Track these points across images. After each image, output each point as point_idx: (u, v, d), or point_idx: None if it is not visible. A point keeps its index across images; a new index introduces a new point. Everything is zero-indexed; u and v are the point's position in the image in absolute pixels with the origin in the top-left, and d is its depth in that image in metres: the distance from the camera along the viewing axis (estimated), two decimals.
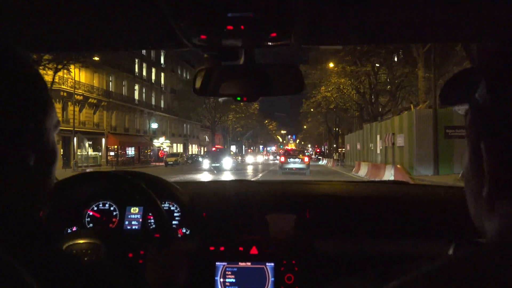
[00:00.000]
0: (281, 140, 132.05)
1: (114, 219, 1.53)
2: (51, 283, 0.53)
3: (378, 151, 24.00)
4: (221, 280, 1.37)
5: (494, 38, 1.05)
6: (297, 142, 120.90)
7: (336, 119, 49.72)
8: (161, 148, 43.18)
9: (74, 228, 1.44)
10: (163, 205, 1.31)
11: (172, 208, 1.55)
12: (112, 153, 35.86)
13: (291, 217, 1.44)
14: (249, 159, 42.18)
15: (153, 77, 46.08)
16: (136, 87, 40.76)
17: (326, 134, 65.69)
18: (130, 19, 0.98)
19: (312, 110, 44.91)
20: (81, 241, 1.19)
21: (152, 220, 1.49)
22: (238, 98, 1.23)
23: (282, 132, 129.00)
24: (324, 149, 61.54)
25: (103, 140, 34.07)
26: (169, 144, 48.66)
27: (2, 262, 0.49)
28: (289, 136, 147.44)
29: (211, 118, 44.72)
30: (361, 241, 1.44)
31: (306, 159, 24.58)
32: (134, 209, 1.56)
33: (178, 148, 56.29)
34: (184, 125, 58.46)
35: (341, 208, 1.58)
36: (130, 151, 39.14)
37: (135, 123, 40.14)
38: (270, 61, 1.24)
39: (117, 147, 36.52)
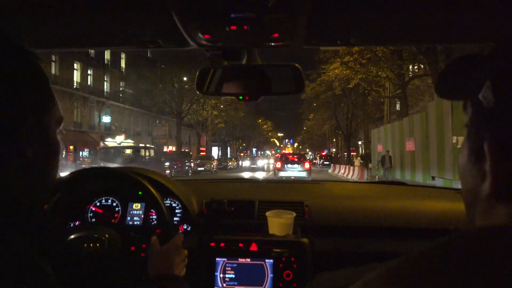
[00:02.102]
0: (278, 143, 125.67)
1: (116, 215, 1.62)
2: (55, 271, 0.57)
3: None
4: (221, 275, 1.46)
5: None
6: (295, 146, 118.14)
7: (350, 110, 31.89)
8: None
9: (77, 223, 1.53)
10: (165, 202, 1.42)
11: (173, 204, 1.64)
12: None
13: (291, 215, 1.51)
14: None
15: (107, 56, 36.67)
16: (77, 66, 32.05)
17: (332, 133, 48.06)
18: (135, 18, 1.08)
19: (316, 99, 36.32)
20: (84, 234, 1.27)
21: (154, 216, 1.60)
22: (240, 97, 1.30)
23: (279, 135, 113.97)
24: (329, 152, 44.36)
25: None
26: (132, 144, 37.03)
27: (19, 249, 0.54)
28: (286, 140, 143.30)
29: (176, 107, 27.19)
30: (359, 239, 1.52)
31: (307, 164, 20.98)
32: (136, 205, 1.64)
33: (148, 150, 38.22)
34: (157, 121, 47.83)
35: (339, 207, 1.67)
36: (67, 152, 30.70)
37: (73, 114, 31.71)
38: (272, 61, 1.30)
39: None
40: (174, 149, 35.90)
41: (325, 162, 43.35)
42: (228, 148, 56.09)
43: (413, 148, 16.92)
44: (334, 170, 31.34)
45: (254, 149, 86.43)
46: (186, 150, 35.40)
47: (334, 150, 51.40)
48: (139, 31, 1.15)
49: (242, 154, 74.04)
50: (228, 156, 52.10)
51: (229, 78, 1.29)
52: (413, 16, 1.01)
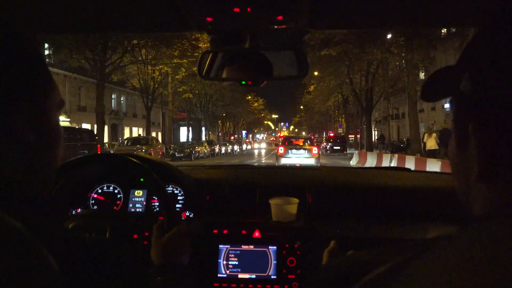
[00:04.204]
0: (273, 126, 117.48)
1: (118, 202, 1.66)
2: (56, 258, 0.59)
3: None
4: (224, 262, 1.51)
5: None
6: (290, 129, 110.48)
7: (373, 67, 15.83)
8: None
9: (79, 210, 1.59)
10: (167, 189, 1.49)
11: (176, 191, 1.67)
12: None
13: (294, 201, 1.59)
14: None
15: None
16: None
17: (342, 107, 32.89)
18: (135, 1, 1.11)
19: (327, 46, 23.50)
20: (86, 221, 1.31)
21: (156, 204, 1.67)
22: (243, 82, 1.33)
23: (274, 116, 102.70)
24: (337, 133, 29.77)
25: None
26: (68, 124, 27.38)
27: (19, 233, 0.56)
28: (282, 124, 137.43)
29: (92, 56, 10.49)
30: (362, 225, 1.60)
31: (315, 149, 18.01)
32: (138, 192, 1.66)
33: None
34: (113, 95, 36.92)
35: (342, 192, 1.73)
36: None
37: None
38: (275, 45, 1.35)
39: None
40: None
41: (335, 147, 29.63)
42: (203, 129, 42.45)
43: None
44: (362, 162, 18.04)
45: (243, 132, 73.37)
46: (83, 127, 22.07)
47: (341, 131, 38.32)
48: (141, 15, 1.18)
49: (232, 137, 60.39)
50: (204, 139, 38.50)
51: (231, 62, 1.30)
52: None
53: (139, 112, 40.59)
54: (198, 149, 29.60)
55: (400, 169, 2.06)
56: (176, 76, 30.70)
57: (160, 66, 28.08)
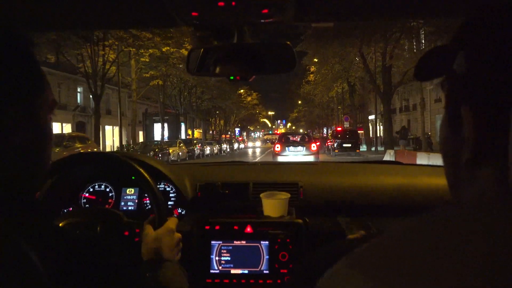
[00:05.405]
0: (269, 124, 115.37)
1: (110, 200, 1.72)
2: (45, 257, 0.60)
3: None
4: (217, 258, 1.59)
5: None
6: (287, 127, 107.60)
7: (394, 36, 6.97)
8: None
9: (71, 209, 1.68)
10: (158, 186, 1.61)
11: (167, 189, 1.73)
12: None
13: (285, 196, 1.68)
14: None
15: None
16: None
17: (345, 99, 24.94)
18: None
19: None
20: (77, 219, 1.36)
21: (148, 201, 1.73)
22: (232, 78, 1.37)
23: (270, 113, 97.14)
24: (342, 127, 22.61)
25: None
26: None
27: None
28: (278, 121, 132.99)
29: None
30: (354, 219, 1.67)
31: (314, 146, 16.82)
32: (130, 190, 1.70)
33: (65, 131, 29.10)
34: (79, 88, 31.27)
35: (334, 187, 1.81)
36: None
37: None
38: (264, 39, 1.43)
39: None
40: None
41: (344, 145, 23.20)
42: (183, 125, 35.96)
43: None
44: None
45: (236, 129, 67.10)
46: None
47: (347, 124, 32.28)
48: (125, 11, 1.18)
49: (226, 136, 54.07)
50: (182, 137, 32.06)
51: (219, 58, 1.33)
52: None
53: (114, 108, 34.41)
54: (169, 150, 23.87)
55: (391, 163, 2.24)
56: (142, 59, 24.21)
57: (110, 41, 21.38)
